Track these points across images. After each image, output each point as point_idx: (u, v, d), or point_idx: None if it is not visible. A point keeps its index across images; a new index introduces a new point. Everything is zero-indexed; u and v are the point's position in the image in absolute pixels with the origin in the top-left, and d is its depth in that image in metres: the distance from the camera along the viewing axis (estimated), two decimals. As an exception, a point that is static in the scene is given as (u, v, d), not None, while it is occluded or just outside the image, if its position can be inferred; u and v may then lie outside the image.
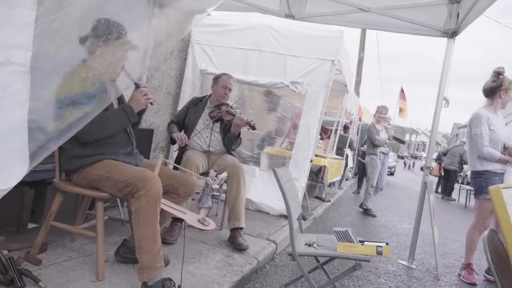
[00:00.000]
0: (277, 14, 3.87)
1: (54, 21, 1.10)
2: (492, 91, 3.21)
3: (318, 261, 2.33)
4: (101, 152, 2.02)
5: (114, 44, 1.79)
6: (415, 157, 45.96)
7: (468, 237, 3.21)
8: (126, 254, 2.21)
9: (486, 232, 1.60)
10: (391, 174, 19.01)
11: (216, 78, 3.35)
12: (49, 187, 2.63)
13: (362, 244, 1.94)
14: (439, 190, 11.11)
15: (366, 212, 5.89)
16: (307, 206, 4.93)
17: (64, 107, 1.21)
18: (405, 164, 31.79)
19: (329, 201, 6.23)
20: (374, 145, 5.87)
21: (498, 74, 3.20)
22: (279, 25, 4.61)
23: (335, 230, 2.02)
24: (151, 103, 2.20)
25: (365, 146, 6.64)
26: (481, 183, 3.06)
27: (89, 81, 1.28)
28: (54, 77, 1.19)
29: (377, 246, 1.88)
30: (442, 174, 10.79)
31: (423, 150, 60.22)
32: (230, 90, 3.29)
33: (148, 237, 1.84)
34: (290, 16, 3.83)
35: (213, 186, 2.27)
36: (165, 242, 2.65)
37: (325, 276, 2.39)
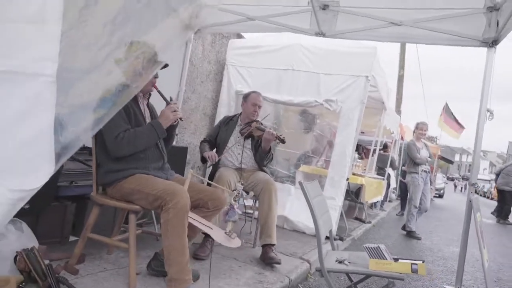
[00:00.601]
0: (308, 33, 3.90)
1: (76, 34, 1.22)
2: None
3: (351, 280, 2.23)
4: (134, 167, 2.12)
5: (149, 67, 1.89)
6: (467, 179, 43.19)
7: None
8: (158, 267, 2.25)
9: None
10: (440, 196, 18.00)
11: (246, 96, 3.41)
12: (89, 202, 2.76)
13: (395, 261, 1.83)
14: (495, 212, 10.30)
15: (410, 234, 5.58)
16: (345, 226, 4.76)
17: (81, 111, 1.30)
18: (455, 186, 29.94)
19: (370, 222, 5.99)
20: (415, 163, 5.63)
21: None
22: (311, 43, 4.66)
23: (366, 246, 1.93)
24: (180, 119, 2.27)
25: (406, 165, 6.37)
26: None
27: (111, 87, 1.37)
28: (72, 85, 1.29)
29: (412, 264, 1.77)
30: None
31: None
32: (259, 107, 3.33)
33: (176, 249, 1.87)
34: (321, 34, 3.83)
35: (234, 203, 2.27)
36: (197, 258, 2.68)
37: (359, 297, 2.28)
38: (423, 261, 1.87)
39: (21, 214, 2.15)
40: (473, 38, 3.31)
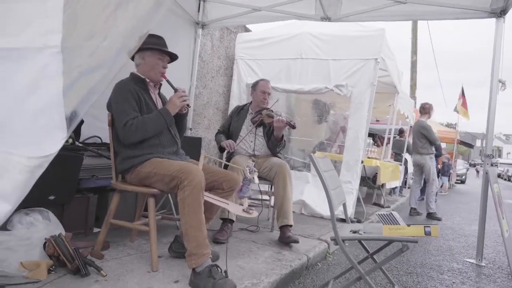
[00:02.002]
0: (313, 19, 3.93)
1: (77, 4, 1.31)
2: None
3: (367, 251, 2.26)
4: (149, 152, 2.20)
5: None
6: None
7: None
8: (179, 249, 2.33)
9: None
10: (462, 182, 17.64)
11: (254, 85, 3.46)
12: (110, 193, 2.88)
13: (408, 226, 1.86)
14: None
15: (431, 216, 5.55)
16: (363, 211, 4.76)
17: (81, 77, 1.37)
18: (477, 171, 29.23)
19: (388, 207, 5.96)
20: (431, 144, 5.60)
21: None
22: (318, 31, 4.68)
23: (379, 214, 1.96)
24: (188, 106, 2.34)
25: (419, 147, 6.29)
26: None
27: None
28: (76, 55, 1.36)
29: (425, 227, 1.79)
30: None
31: (499, 156, 55.01)
32: (269, 94, 3.37)
33: (193, 225, 1.94)
34: (326, 18, 3.86)
35: (248, 177, 2.33)
36: (216, 241, 2.76)
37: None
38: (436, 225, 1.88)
39: (47, 205, 2.29)
40: (481, 9, 3.28)
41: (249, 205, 2.32)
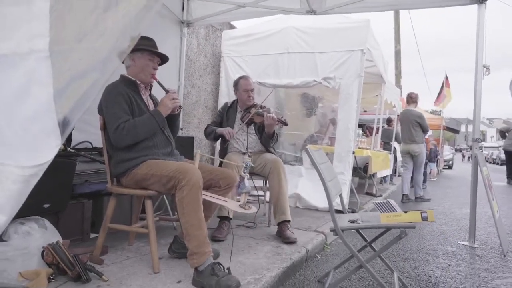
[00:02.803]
0: (299, 12, 3.94)
1: (64, 7, 1.27)
2: None
3: (366, 240, 2.30)
4: (144, 154, 2.19)
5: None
6: (475, 148, 42.74)
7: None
8: (178, 249, 2.33)
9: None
10: (449, 167, 17.98)
11: (235, 84, 3.41)
12: (105, 198, 2.86)
13: (405, 213, 1.89)
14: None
15: (421, 198, 5.77)
16: (357, 200, 4.82)
17: (74, 81, 1.34)
18: (463, 156, 29.85)
19: (380, 196, 6.04)
20: (424, 133, 5.79)
21: None
22: (304, 24, 4.69)
23: (375, 202, 1.99)
24: (180, 107, 2.34)
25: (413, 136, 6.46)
26: None
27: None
28: (67, 58, 1.33)
29: (421, 212, 1.83)
30: None
31: (483, 140, 56.11)
32: (252, 90, 3.33)
33: (193, 224, 1.94)
34: (312, 12, 3.88)
35: (244, 174, 2.33)
36: (215, 239, 2.76)
37: (376, 256, 2.34)
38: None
39: (42, 213, 2.26)
40: (462, -4, 3.33)
41: (247, 201, 2.33)
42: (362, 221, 2.07)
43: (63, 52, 1.30)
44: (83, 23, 1.29)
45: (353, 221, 2.07)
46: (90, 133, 3.11)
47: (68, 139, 2.79)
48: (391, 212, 1.92)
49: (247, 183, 2.30)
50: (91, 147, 3.15)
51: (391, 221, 1.88)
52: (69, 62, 1.29)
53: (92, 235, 2.79)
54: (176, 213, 3.32)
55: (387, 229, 2.14)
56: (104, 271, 2.05)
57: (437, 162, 12.17)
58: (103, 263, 2.22)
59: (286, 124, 3.16)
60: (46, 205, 2.35)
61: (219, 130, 3.21)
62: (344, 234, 1.94)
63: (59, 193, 2.42)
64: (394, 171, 8.77)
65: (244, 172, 2.31)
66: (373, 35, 4.71)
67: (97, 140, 3.08)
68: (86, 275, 1.93)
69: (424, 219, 1.82)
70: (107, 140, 2.26)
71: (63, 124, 1.27)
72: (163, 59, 2.44)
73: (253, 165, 2.40)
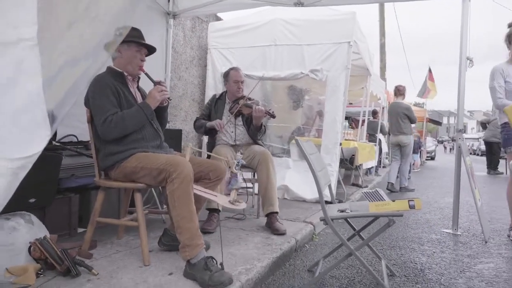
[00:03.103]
0: (286, 4, 3.93)
1: None
2: (507, 40, 3.14)
3: (354, 229, 2.34)
4: (133, 147, 2.16)
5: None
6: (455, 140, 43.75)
7: (509, 195, 3.09)
8: (169, 242, 2.33)
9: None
10: (432, 158, 18.36)
11: (226, 75, 3.43)
12: (92, 192, 2.82)
13: (393, 202, 1.93)
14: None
15: (405, 189, 5.92)
16: (344, 191, 4.89)
17: (64, 69, 1.30)
18: (445, 147, 30.58)
19: (366, 186, 6.14)
20: (411, 123, 6.06)
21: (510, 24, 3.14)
22: (291, 16, 4.69)
23: (364, 192, 2.03)
24: (169, 99, 2.32)
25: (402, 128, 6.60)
26: (505, 135, 2.98)
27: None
28: (56, 45, 1.30)
29: (409, 201, 1.87)
30: None
31: (465, 132, 57.33)
32: (242, 82, 3.35)
33: (185, 217, 1.94)
34: (299, 4, 3.87)
35: (235, 171, 2.34)
36: (204, 231, 2.76)
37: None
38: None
39: (28, 208, 2.21)
40: (446, -11, 3.38)
41: (237, 195, 2.33)
42: (351, 211, 2.11)
43: (52, 40, 1.26)
44: (73, 10, 1.26)
45: (342, 211, 2.10)
46: (75, 127, 3.05)
47: (53, 133, 2.73)
48: (379, 201, 1.96)
49: (237, 180, 2.30)
50: (76, 140, 3.09)
51: (380, 209, 1.92)
52: (59, 50, 1.25)
53: (80, 230, 2.75)
54: (165, 206, 3.34)
55: (375, 218, 2.18)
56: (93, 265, 2.03)
57: (420, 153, 12.42)
58: (92, 257, 2.20)
59: (273, 117, 3.18)
60: (32, 200, 2.30)
61: (209, 123, 3.21)
62: (333, 223, 1.97)
63: (45, 187, 2.38)
64: (379, 162, 8.91)
65: (236, 169, 2.31)
66: (359, 28, 4.75)
67: (82, 134, 3.03)
68: (76, 269, 1.91)
69: (412, 207, 1.86)
70: (94, 133, 2.23)
71: (53, 115, 1.24)
72: (150, 50, 2.40)
73: (244, 163, 2.40)
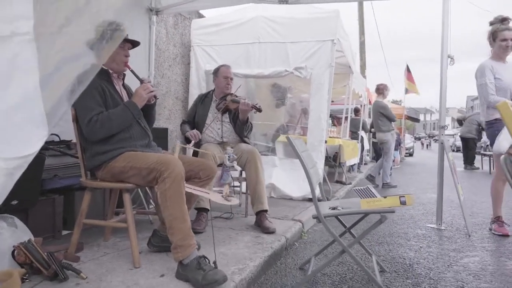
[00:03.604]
0: (271, 2, 3.92)
1: None
2: (490, 38, 3.22)
3: (345, 226, 2.36)
4: (121, 146, 2.11)
5: (114, 37, 1.84)
6: (432, 136, 45.08)
7: (493, 189, 3.18)
8: (158, 243, 2.28)
9: (503, 156, 1.61)
10: (410, 155, 18.78)
11: (216, 72, 3.43)
12: (76, 193, 2.74)
13: (384, 198, 1.96)
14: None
15: (388, 185, 6.04)
16: (329, 189, 4.94)
17: (64, 65, 1.25)
18: (422, 144, 31.41)
19: (350, 183, 6.22)
20: (391, 122, 6.13)
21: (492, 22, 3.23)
22: (274, 14, 4.68)
23: (355, 189, 2.04)
24: (155, 97, 2.27)
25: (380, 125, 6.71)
26: (494, 132, 3.05)
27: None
28: (54, 42, 1.24)
29: (400, 197, 1.90)
30: None
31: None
32: (231, 79, 3.37)
33: (177, 217, 1.90)
34: (284, 1, 3.87)
35: (228, 164, 2.32)
36: (193, 231, 2.70)
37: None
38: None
39: (11, 211, 2.12)
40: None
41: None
42: (342, 208, 2.12)
43: (51, 35, 1.20)
44: (73, 4, 1.20)
45: (333, 208, 2.11)
46: (57, 126, 2.92)
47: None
48: (370, 197, 1.98)
49: (229, 174, 2.28)
50: (58, 140, 2.99)
51: (371, 206, 1.94)
52: (58, 46, 1.19)
53: (64, 232, 2.67)
54: (151, 206, 3.28)
55: (366, 214, 2.21)
56: (81, 268, 1.97)
57: (399, 150, 12.69)
58: (79, 260, 2.13)
59: (260, 110, 3.18)
60: (15, 202, 2.21)
61: (187, 133, 3.19)
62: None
63: (28, 188, 2.28)
64: (361, 159, 9.05)
65: (228, 162, 2.29)
66: (342, 26, 4.79)
67: (65, 133, 2.93)
68: (63, 273, 1.84)
69: (403, 203, 1.89)
70: (80, 133, 2.16)
71: (51, 112, 1.18)
72: (133, 44, 2.35)
73: (235, 156, 2.38)
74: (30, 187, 2.31)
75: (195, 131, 3.20)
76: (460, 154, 11.31)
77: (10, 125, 1.18)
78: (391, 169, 8.12)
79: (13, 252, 1.88)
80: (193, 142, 3.19)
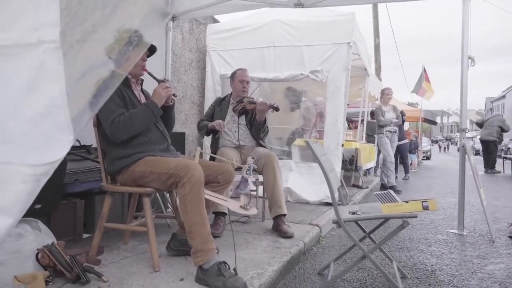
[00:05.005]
0: (286, 5, 3.92)
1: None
2: None
3: (364, 231, 2.32)
4: (140, 151, 2.13)
5: (139, 45, 1.87)
6: (449, 139, 44.22)
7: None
8: (177, 247, 2.30)
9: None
10: (428, 158, 18.45)
11: (232, 75, 3.45)
12: (96, 197, 2.78)
13: (406, 203, 1.92)
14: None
15: (393, 188, 5.93)
16: (346, 193, 4.88)
17: (90, 72, 1.26)
18: (439, 147, 30.82)
19: (367, 187, 6.14)
20: (379, 125, 6.13)
21: None
22: (289, 18, 4.68)
23: (376, 193, 2.01)
24: (174, 95, 2.29)
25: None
26: None
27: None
28: (80, 49, 1.26)
29: (422, 201, 1.86)
30: None
31: (458, 131, 57.83)
32: (247, 82, 3.37)
33: (197, 222, 1.91)
34: (299, 5, 3.86)
35: (246, 177, 2.31)
36: (212, 236, 2.72)
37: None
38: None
39: (35, 214, 2.17)
40: (447, -11, 3.39)
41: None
42: (362, 212, 2.09)
43: (77, 42, 1.22)
44: (99, 13, 1.22)
45: (353, 213, 2.09)
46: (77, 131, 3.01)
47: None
48: (391, 202, 1.94)
49: (246, 185, 2.28)
50: (79, 145, 3.04)
51: (393, 211, 1.90)
52: (84, 53, 1.22)
53: (85, 235, 2.72)
54: (169, 210, 3.30)
55: (386, 219, 2.17)
56: (102, 271, 1.99)
57: (417, 153, 12.48)
58: (100, 263, 2.16)
59: (277, 109, 3.17)
60: (38, 206, 2.26)
61: (211, 124, 3.19)
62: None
63: (50, 193, 2.33)
64: (377, 163, 8.92)
65: (247, 174, 2.29)
66: (358, 28, 4.76)
67: (85, 138, 2.98)
68: (85, 276, 1.87)
69: (425, 208, 1.85)
70: (101, 137, 2.19)
71: (77, 119, 1.20)
72: (151, 50, 2.38)
73: (255, 167, 2.37)
74: (52, 191, 2.36)
75: (219, 120, 3.20)
76: (480, 158, 11.05)
77: (37, 133, 1.20)
78: (408, 173, 8.01)
79: (37, 254, 1.92)
80: (218, 130, 3.14)
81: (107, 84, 1.23)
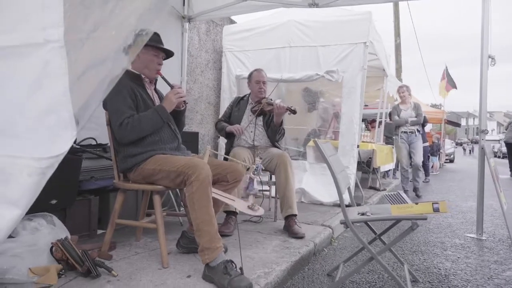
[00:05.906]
0: (301, 5, 3.91)
1: None
2: None
3: (375, 232, 2.28)
4: (151, 149, 2.17)
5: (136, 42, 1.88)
6: (475, 142, 42.87)
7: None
8: (187, 244, 2.32)
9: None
10: (451, 161, 17.97)
11: (249, 76, 3.47)
12: (110, 195, 2.85)
13: (416, 204, 1.88)
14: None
15: (415, 192, 5.80)
16: (362, 195, 4.81)
17: (92, 69, 1.30)
18: (464, 150, 29.93)
19: (384, 189, 6.03)
20: (396, 126, 5.85)
21: None
22: (305, 18, 4.67)
23: (386, 195, 1.98)
24: (185, 102, 2.32)
25: None
26: None
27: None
28: (82, 47, 1.30)
29: (433, 203, 1.82)
30: None
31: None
32: (264, 83, 3.37)
33: (205, 220, 1.93)
34: (314, 5, 3.84)
35: (254, 177, 2.32)
36: (222, 234, 2.74)
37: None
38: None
39: (50, 209, 2.24)
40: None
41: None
42: (371, 214, 2.06)
43: (80, 41, 1.27)
44: (100, 11, 1.26)
45: (362, 214, 2.06)
46: (94, 129, 3.09)
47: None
48: (401, 203, 1.91)
49: (256, 185, 2.28)
50: (95, 143, 3.13)
51: (402, 212, 1.87)
52: (86, 50, 1.26)
53: (99, 231, 2.78)
54: (182, 208, 3.35)
55: (397, 221, 2.13)
56: (113, 266, 2.04)
57: (439, 156, 12.16)
58: (111, 258, 2.21)
59: (294, 112, 3.15)
60: (54, 201, 2.34)
61: (229, 128, 3.22)
62: (354, 226, 1.93)
63: (66, 189, 2.41)
64: (397, 165, 8.76)
65: (254, 174, 2.30)
66: (375, 28, 4.69)
67: (101, 136, 3.07)
68: (96, 270, 1.92)
69: (436, 210, 1.81)
70: (113, 136, 2.24)
71: (79, 114, 1.24)
72: (168, 53, 2.41)
73: (263, 168, 2.38)
74: (68, 188, 2.43)
75: (238, 125, 3.22)
76: (506, 161, 10.66)
77: (42, 128, 1.25)
78: (428, 176, 7.81)
79: (51, 248, 1.99)
80: (237, 136, 3.16)
81: (107, 79, 1.26)
